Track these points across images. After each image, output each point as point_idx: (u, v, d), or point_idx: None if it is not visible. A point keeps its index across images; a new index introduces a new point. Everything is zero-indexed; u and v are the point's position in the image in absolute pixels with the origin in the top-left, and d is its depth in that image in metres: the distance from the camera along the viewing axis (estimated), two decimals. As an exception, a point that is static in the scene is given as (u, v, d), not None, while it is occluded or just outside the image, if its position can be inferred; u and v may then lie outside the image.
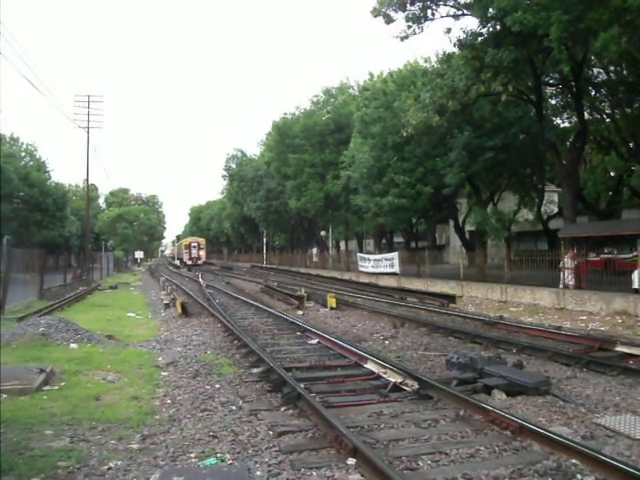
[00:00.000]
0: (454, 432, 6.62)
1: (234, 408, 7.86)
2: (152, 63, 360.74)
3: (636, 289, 17.89)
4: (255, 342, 12.47)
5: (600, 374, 9.77)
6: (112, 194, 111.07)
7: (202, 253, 79.03)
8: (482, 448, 6.09)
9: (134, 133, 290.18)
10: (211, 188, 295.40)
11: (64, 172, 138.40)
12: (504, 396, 8.13)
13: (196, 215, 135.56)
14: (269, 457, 5.92)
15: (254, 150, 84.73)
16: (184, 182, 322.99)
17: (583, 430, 6.70)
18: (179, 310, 19.12)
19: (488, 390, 8.33)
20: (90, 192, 52.81)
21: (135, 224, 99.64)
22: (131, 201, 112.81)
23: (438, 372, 9.88)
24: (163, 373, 10.30)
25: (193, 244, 78.45)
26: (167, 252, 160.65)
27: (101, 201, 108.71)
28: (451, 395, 7.90)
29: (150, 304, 25.07)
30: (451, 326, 15.48)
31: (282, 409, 7.73)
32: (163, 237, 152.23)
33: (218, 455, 6.02)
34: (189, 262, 75.78)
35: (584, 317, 17.57)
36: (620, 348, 11.57)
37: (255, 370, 10.21)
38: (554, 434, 6.10)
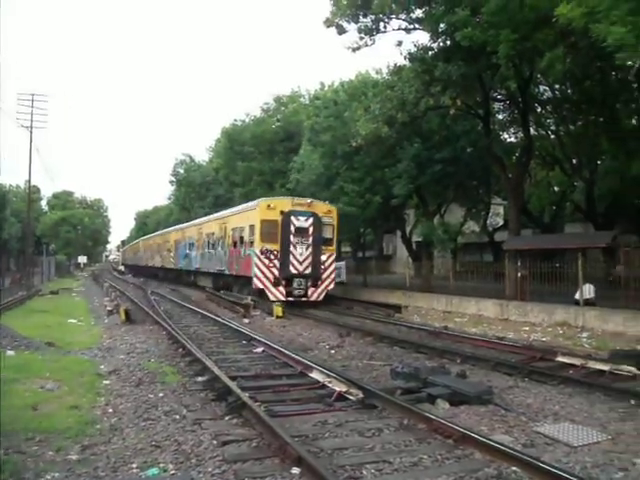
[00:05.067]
0: (398, 441, 6.66)
1: (178, 417, 7.73)
2: (98, 63, 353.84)
3: (577, 301, 18.38)
4: (200, 350, 12.30)
5: (541, 384, 10.00)
6: (55, 196, 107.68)
7: (328, 260, 24.47)
8: (425, 457, 6.14)
9: (79, 135, 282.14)
10: (158, 193, 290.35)
11: (5, 172, 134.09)
12: (447, 405, 8.24)
13: (142, 220, 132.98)
14: (212, 467, 5.83)
15: (203, 156, 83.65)
16: (130, 186, 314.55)
17: (524, 438, 6.85)
18: (123, 317, 18.70)
19: (432, 399, 8.41)
20: (32, 194, 51.32)
21: (79, 228, 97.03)
22: (75, 204, 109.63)
23: (383, 381, 9.93)
24: (105, 381, 10.04)
25: (299, 219, 23.55)
26: (112, 257, 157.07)
27: (43, 203, 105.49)
28: (395, 404, 7.95)
29: (93, 310, 24.45)
30: (396, 336, 15.63)
31: (226, 418, 7.63)
32: (108, 242, 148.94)
33: (161, 465, 5.90)
34: (281, 293, 23.06)
35: (527, 328, 17.97)
36: (560, 358, 11.87)
37: (200, 379, 10.05)
38: (495, 442, 6.22)
